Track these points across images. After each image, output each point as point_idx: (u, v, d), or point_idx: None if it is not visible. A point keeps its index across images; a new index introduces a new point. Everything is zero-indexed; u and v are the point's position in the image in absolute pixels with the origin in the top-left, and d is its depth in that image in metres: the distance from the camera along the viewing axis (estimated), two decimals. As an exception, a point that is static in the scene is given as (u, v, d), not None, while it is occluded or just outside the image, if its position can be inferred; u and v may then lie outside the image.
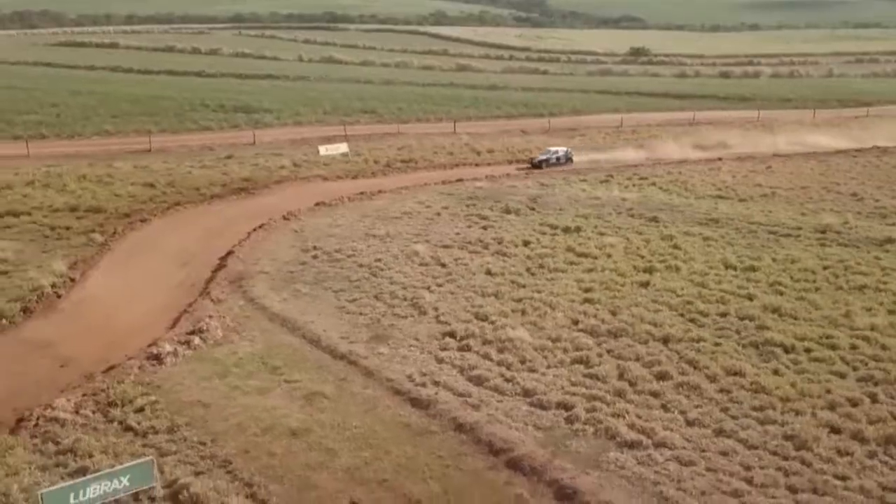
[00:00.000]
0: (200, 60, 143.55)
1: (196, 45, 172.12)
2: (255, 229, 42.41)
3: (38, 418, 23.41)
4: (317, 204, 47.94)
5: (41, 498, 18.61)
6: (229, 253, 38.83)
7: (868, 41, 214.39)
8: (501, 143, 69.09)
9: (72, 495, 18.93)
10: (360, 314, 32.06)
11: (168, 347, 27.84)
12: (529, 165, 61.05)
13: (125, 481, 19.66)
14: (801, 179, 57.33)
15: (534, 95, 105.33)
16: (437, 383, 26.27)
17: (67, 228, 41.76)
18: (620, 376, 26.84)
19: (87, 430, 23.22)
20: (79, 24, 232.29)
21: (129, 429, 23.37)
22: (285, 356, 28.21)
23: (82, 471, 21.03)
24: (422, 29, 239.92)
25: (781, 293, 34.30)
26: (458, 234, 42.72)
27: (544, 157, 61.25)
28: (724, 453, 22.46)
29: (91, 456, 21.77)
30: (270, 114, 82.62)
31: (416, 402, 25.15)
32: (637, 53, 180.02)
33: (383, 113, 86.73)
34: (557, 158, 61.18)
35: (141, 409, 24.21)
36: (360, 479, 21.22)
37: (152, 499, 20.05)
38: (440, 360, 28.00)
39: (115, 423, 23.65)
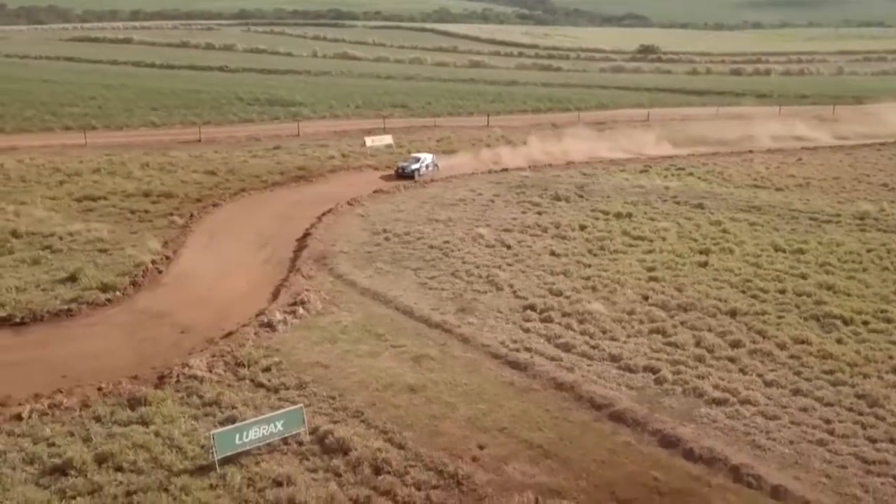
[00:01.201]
0: (218, 56, 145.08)
1: (209, 40, 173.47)
2: (324, 214, 44.63)
3: (178, 376, 25.68)
4: (375, 191, 50.22)
5: (213, 438, 20.96)
6: (307, 234, 41.09)
7: (872, 40, 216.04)
8: (537, 135, 70.79)
9: (237, 436, 21.27)
10: (442, 289, 34.37)
11: (278, 316, 30.17)
12: (396, 175, 54.69)
13: (279, 426, 22.00)
14: (831, 171, 59.66)
15: (555, 91, 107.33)
16: (528, 349, 28.60)
17: (146, 212, 44.02)
18: (697, 344, 29.21)
19: (222, 386, 25.54)
20: (84, 19, 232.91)
21: (260, 385, 25.68)
22: (385, 325, 30.53)
23: (231, 419, 23.37)
24: (428, 26, 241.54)
25: (831, 273, 36.66)
26: (514, 218, 45.00)
27: (416, 165, 54.86)
28: (803, 409, 24.83)
29: (234, 408, 24.11)
30: (306, 107, 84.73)
31: (514, 365, 27.50)
32: (646, 51, 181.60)
33: (414, 107, 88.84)
34: (426, 166, 55.39)
35: (267, 369, 26.53)
36: (481, 428, 23.56)
37: (300, 443, 22.37)
38: (526, 330, 30.34)
39: (247, 381, 25.96)
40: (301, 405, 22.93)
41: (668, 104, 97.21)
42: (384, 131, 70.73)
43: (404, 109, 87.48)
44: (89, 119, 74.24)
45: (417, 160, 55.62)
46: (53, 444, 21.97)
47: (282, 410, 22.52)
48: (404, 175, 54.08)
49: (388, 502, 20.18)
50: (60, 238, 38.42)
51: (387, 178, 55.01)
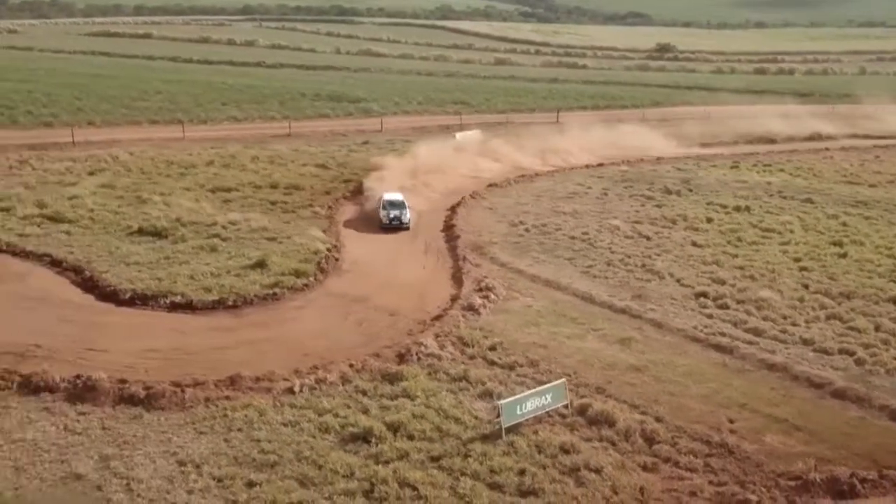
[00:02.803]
0: (243, 52, 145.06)
1: (225, 36, 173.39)
2: (453, 206, 46.16)
3: (417, 354, 27.24)
4: (489, 185, 51.67)
5: (501, 407, 22.61)
6: (450, 225, 42.68)
7: (877, 40, 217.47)
8: (615, 131, 71.20)
9: (518, 406, 22.94)
10: (606, 277, 36.02)
11: (478, 300, 31.73)
12: (382, 229, 42.07)
13: (548, 398, 23.68)
14: (913, 168, 61.68)
15: (600, 88, 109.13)
16: (722, 334, 30.23)
17: (286, 203, 45.59)
18: (877, 329, 30.95)
19: (458, 363, 27.13)
20: (87, 14, 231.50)
21: (493, 363, 27.32)
22: (573, 310, 32.21)
23: (487, 393, 25.10)
24: (438, 23, 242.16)
25: (967, 263, 38.48)
26: (637, 211, 46.68)
27: (409, 213, 43.07)
28: None
29: (483, 383, 25.76)
30: (371, 103, 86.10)
31: (717, 348, 29.18)
32: (663, 49, 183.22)
33: (474, 104, 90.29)
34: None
35: (493, 348, 28.16)
36: (720, 404, 25.23)
37: (562, 416, 24.00)
38: (709, 316, 31.99)
39: (478, 359, 27.56)
40: (564, 380, 24.59)
41: (716, 102, 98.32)
42: (461, 127, 72.06)
43: (464, 106, 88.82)
44: (164, 113, 75.49)
45: (402, 205, 42.98)
46: (338, 415, 23.48)
47: (549, 384, 24.15)
48: (400, 227, 42.14)
49: (672, 468, 21.77)
50: (223, 227, 39.87)
51: (352, 224, 43.86)
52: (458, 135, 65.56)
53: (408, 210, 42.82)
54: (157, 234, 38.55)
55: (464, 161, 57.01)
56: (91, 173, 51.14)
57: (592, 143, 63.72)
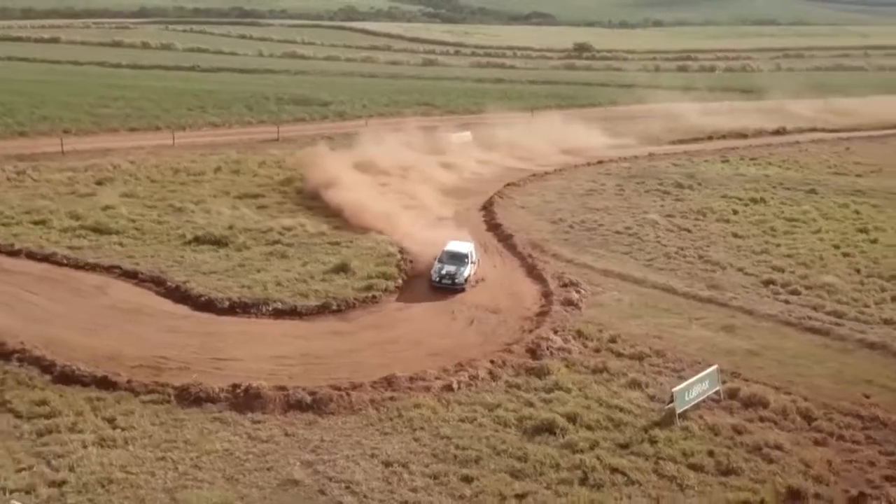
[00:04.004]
0: (171, 56, 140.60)
1: (141, 39, 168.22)
2: (484, 206, 46.85)
3: (548, 349, 27.90)
4: (507, 185, 52.43)
5: (673, 394, 23.55)
6: (495, 225, 43.31)
7: (772, 38, 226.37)
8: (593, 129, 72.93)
9: (686, 394, 23.92)
10: (672, 269, 37.36)
11: (574, 295, 32.56)
12: (433, 287, 33.64)
13: (706, 384, 24.77)
14: (885, 158, 65.24)
15: (549, 88, 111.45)
16: (809, 317, 31.88)
17: (322, 208, 45.22)
18: (943, 307, 33.10)
19: (587, 356, 27.93)
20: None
21: (620, 354, 28.22)
22: (662, 301, 33.42)
23: (635, 383, 26.23)
24: (347, 24, 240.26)
25: None
26: (662, 205, 48.28)
27: (467, 270, 34.20)
28: None
29: (624, 374, 26.68)
30: (337, 105, 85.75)
31: (813, 330, 30.85)
32: (581, 49, 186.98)
33: (439, 105, 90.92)
34: (475, 261, 35.62)
35: (613, 341, 29.06)
36: (848, 381, 26.82)
37: (715, 401, 25.09)
38: (786, 302, 33.67)
39: (604, 351, 28.40)
40: (716, 367, 25.61)
41: (666, 100, 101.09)
42: (438, 127, 72.33)
43: (431, 107, 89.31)
44: (134, 120, 73.50)
45: (463, 259, 34.53)
46: (508, 409, 23.99)
47: (705, 372, 25.19)
48: (453, 287, 33.52)
49: (840, 442, 23.15)
50: (280, 233, 39.50)
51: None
52: (454, 136, 65.93)
53: (468, 267, 34.26)
54: (217, 242, 37.87)
55: (460, 161, 57.65)
56: (98, 183, 49.59)
57: (578, 142, 65.31)
